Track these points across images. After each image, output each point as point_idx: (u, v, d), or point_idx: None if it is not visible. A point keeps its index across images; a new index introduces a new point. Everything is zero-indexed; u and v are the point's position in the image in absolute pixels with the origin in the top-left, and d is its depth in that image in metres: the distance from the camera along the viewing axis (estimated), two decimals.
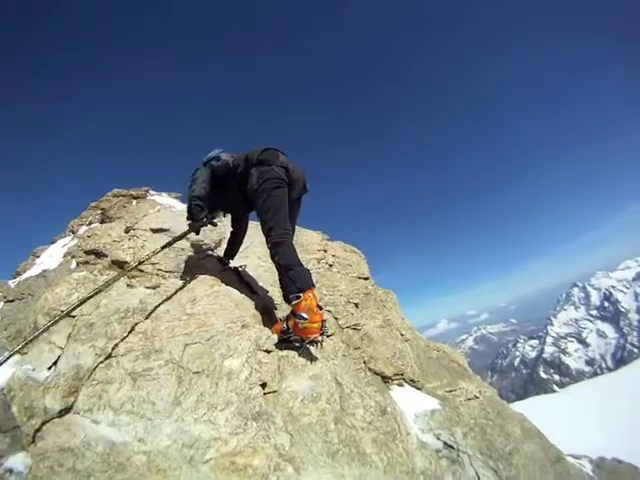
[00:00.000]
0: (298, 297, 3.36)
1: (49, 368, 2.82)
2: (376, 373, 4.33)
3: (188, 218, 4.08)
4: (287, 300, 3.52)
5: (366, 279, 6.48)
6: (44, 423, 2.38)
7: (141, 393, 2.53)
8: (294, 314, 3.40)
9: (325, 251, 6.53)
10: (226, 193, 4.35)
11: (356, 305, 5.36)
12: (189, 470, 2.17)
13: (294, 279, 3.45)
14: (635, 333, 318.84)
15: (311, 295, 3.40)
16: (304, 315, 3.30)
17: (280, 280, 3.63)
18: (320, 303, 3.63)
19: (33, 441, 2.29)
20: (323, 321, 3.43)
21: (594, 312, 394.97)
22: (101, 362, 2.75)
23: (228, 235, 5.03)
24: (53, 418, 2.40)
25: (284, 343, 3.47)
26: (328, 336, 4.31)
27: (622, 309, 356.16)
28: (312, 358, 3.45)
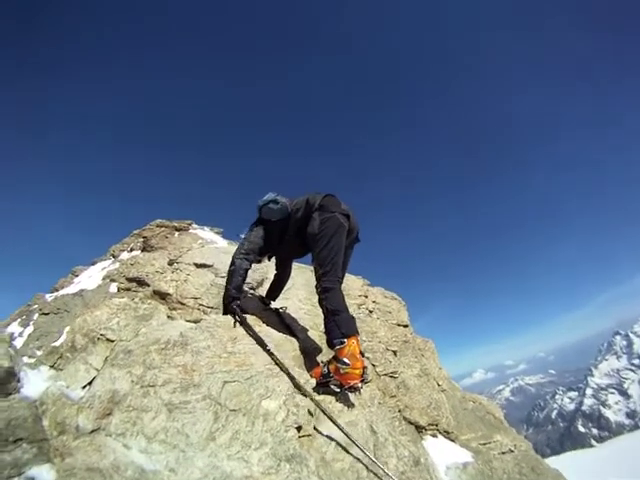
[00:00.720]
0: (342, 342, 3.35)
1: (83, 387, 2.85)
2: (410, 422, 4.28)
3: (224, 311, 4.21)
4: (330, 345, 3.50)
5: (405, 327, 6.45)
6: (75, 440, 2.38)
7: (176, 425, 2.54)
8: (336, 359, 3.38)
9: (366, 297, 6.53)
10: (282, 237, 4.42)
11: (394, 353, 5.34)
12: None
13: (339, 324, 3.45)
14: None
15: (354, 342, 3.39)
16: (346, 361, 3.29)
17: (325, 324, 3.63)
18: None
19: (61, 456, 2.29)
20: (364, 368, 3.41)
21: (637, 361, 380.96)
22: (138, 390, 2.77)
23: (271, 276, 5.07)
24: (84, 437, 2.40)
25: (322, 387, 3.44)
26: (366, 383, 4.26)
27: None
28: (349, 404, 3.45)
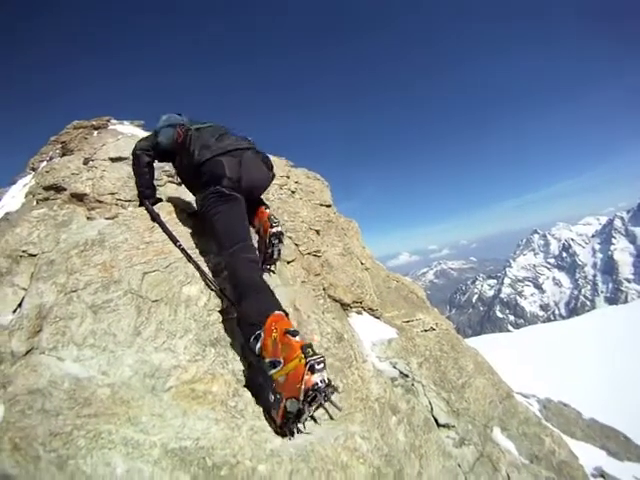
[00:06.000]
0: (259, 337, 2.40)
1: (14, 311, 2.74)
2: (335, 300, 4.45)
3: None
4: (250, 350, 2.51)
5: (328, 206, 6.60)
6: (12, 367, 2.31)
7: (102, 326, 2.50)
8: (266, 365, 2.34)
9: (288, 177, 6.56)
10: (180, 170, 3.86)
11: (317, 232, 5.45)
12: (152, 399, 2.19)
13: (248, 312, 2.58)
14: (589, 287, 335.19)
15: (274, 323, 2.38)
16: (276, 359, 2.25)
17: (237, 321, 2.83)
18: (294, 323, 2.76)
19: (3, 387, 2.22)
20: (304, 347, 2.18)
21: (552, 260, 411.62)
22: (62, 298, 2.69)
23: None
24: (20, 360, 2.34)
25: (293, 422, 2.24)
26: (289, 262, 4.23)
27: (579, 262, 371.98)
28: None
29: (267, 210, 3.72)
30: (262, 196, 3.80)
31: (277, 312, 2.48)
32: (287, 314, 2.57)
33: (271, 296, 2.70)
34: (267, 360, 2.31)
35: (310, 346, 2.18)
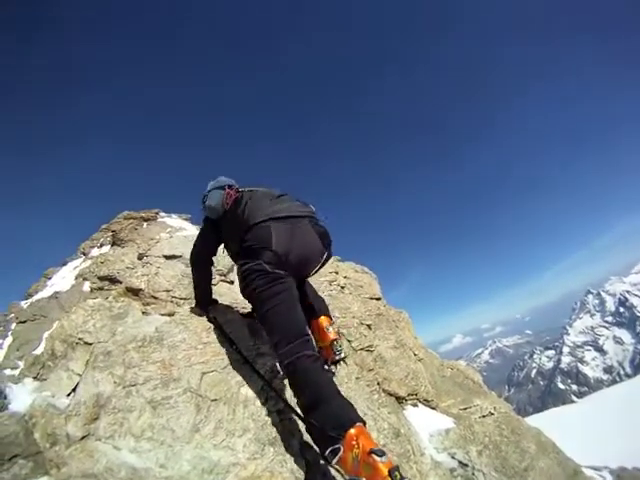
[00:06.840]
0: (338, 450, 2.18)
1: (68, 395, 2.83)
2: (390, 394, 4.36)
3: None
4: (325, 460, 2.33)
5: (378, 299, 6.55)
6: (67, 449, 2.36)
7: (161, 421, 2.57)
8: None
9: (336, 273, 6.58)
10: (230, 241, 3.39)
11: (369, 326, 5.40)
12: None
13: (323, 423, 2.29)
14: None
15: (355, 439, 2.14)
16: (360, 479, 2.06)
17: (305, 425, 2.53)
18: (379, 444, 2.48)
19: (57, 467, 2.27)
20: (392, 469, 1.96)
21: (610, 318, 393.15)
22: (121, 390, 2.76)
23: None
24: (76, 444, 2.39)
25: None
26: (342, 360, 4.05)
27: (638, 314, 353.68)
28: None
29: (330, 330, 3.36)
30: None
31: (357, 425, 2.23)
32: (365, 423, 2.33)
33: (347, 404, 2.41)
34: (347, 477, 2.18)
35: (397, 469, 1.97)
